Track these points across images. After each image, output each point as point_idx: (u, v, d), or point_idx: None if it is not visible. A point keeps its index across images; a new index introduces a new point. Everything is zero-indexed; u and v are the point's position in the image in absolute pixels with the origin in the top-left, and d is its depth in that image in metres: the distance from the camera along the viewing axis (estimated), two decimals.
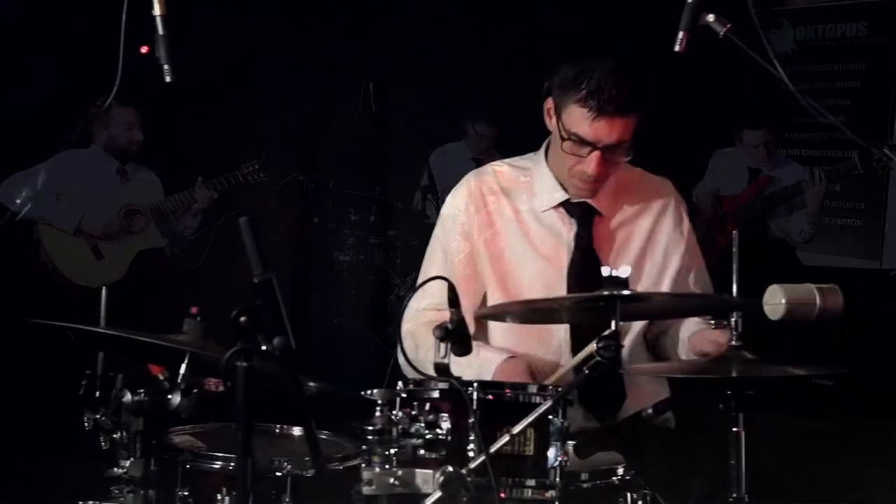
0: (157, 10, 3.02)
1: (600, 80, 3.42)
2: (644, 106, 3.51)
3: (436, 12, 4.43)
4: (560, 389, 2.85)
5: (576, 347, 3.55)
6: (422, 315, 3.56)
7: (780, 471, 4.12)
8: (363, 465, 2.86)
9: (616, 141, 3.47)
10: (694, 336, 3.52)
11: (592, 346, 2.80)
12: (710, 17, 2.43)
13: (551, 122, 3.58)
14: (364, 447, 2.85)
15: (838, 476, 4.28)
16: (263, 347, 2.34)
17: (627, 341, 3.58)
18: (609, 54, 3.50)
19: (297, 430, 3.36)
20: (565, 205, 3.65)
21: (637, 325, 3.63)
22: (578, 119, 3.47)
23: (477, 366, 3.37)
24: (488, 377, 3.43)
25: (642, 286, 3.59)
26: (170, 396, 3.07)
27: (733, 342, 2.96)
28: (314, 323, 4.33)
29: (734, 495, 2.91)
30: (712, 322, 3.13)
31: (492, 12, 4.80)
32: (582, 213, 3.65)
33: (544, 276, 3.63)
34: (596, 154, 3.49)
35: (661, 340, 3.70)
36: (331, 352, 4.32)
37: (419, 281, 3.58)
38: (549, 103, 3.57)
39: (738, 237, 2.95)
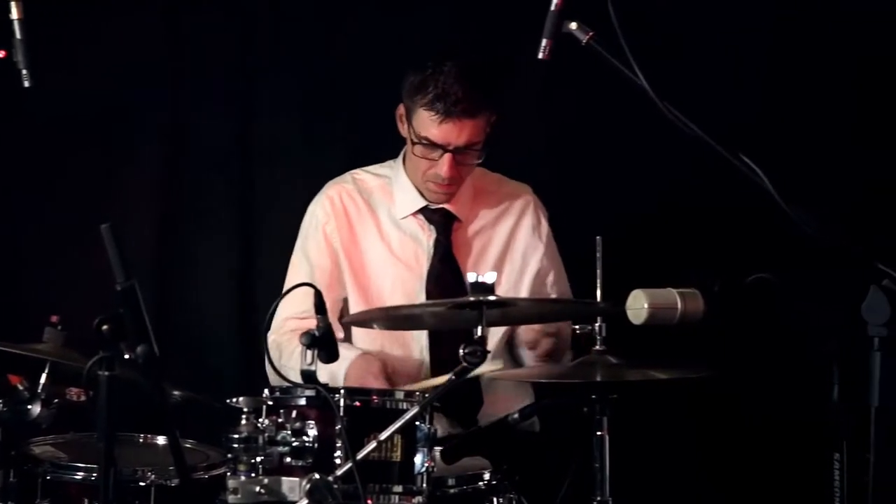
0: (14, 14, 2.97)
1: (446, 82, 3.46)
2: (494, 106, 3.55)
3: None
4: (427, 395, 2.86)
5: (435, 353, 3.58)
6: (287, 324, 3.55)
7: (644, 473, 4.18)
8: (228, 473, 2.83)
9: (466, 143, 3.51)
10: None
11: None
12: (573, 26, 2.45)
13: (404, 128, 3.61)
14: (229, 455, 2.82)
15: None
16: (126, 356, 2.30)
17: (490, 347, 3.60)
18: (456, 56, 3.52)
19: (161, 440, 3.32)
20: (424, 211, 3.68)
21: (497, 330, 3.66)
22: (427, 122, 3.50)
23: (330, 366, 3.34)
24: (341, 374, 3.43)
25: (501, 290, 3.60)
26: (29, 406, 3.02)
27: (597, 348, 2.99)
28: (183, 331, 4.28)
29: (598, 498, 2.94)
30: (577, 328, 3.17)
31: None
32: (441, 220, 3.68)
33: (404, 283, 3.65)
34: (447, 156, 3.52)
35: (518, 345, 3.74)
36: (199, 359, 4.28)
37: (284, 289, 3.56)
38: (401, 109, 3.61)
39: (601, 242, 2.99)
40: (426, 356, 3.63)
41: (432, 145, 3.52)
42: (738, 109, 4.32)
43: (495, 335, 3.64)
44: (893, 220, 4.35)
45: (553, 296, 3.77)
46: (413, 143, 3.55)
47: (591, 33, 2.45)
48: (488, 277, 2.79)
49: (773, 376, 4.27)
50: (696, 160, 2.70)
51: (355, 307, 3.63)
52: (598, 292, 3.00)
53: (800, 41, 4.43)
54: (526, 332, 3.58)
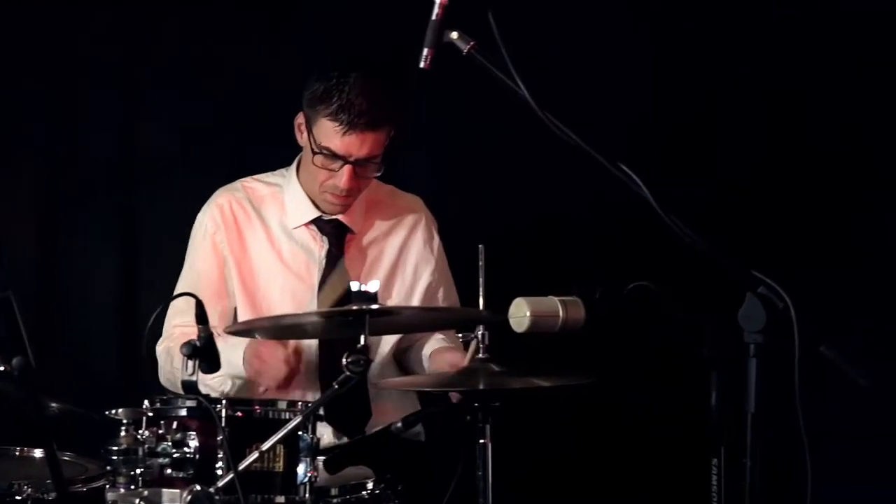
0: None
1: (351, 94, 3.44)
2: (395, 119, 3.54)
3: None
4: (309, 405, 2.85)
5: (324, 364, 3.56)
6: (176, 331, 3.51)
7: (527, 480, 4.21)
8: (107, 486, 2.79)
9: (367, 155, 3.50)
10: (434, 356, 3.58)
11: None
12: (454, 35, 2.45)
13: (302, 137, 3.58)
14: (108, 468, 2.78)
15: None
16: (1, 368, 2.26)
17: (377, 356, 3.61)
18: (362, 66, 3.52)
19: (38, 452, 3.26)
20: (317, 222, 3.66)
21: (387, 341, 3.66)
22: (330, 133, 3.48)
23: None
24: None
25: (392, 303, 3.62)
26: None
27: (480, 355, 3.01)
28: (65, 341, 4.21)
29: None
30: (461, 336, 3.18)
31: None
32: (333, 231, 3.66)
33: (294, 293, 3.62)
34: (347, 168, 3.50)
35: (408, 355, 3.74)
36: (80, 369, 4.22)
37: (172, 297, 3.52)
38: (300, 118, 3.57)
39: (483, 251, 3.00)
40: (315, 364, 3.61)
41: (333, 156, 3.50)
42: (620, 118, 4.38)
43: (387, 343, 3.65)
44: (771, 228, 4.44)
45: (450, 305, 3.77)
46: (313, 153, 3.52)
47: (472, 43, 2.45)
48: (371, 286, 2.79)
49: (653, 383, 4.33)
50: (578, 169, 2.72)
51: (244, 317, 3.60)
52: (481, 300, 3.02)
53: (681, 52, 4.50)
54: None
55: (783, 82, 4.50)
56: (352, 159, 3.49)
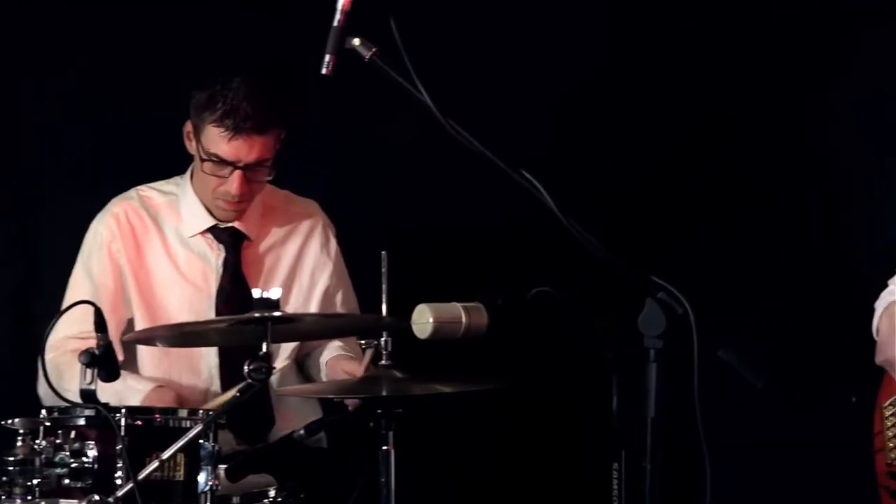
0: None
1: (235, 98, 3.42)
2: (283, 122, 3.53)
3: None
4: (211, 413, 2.83)
5: (225, 373, 3.54)
6: (67, 343, 3.44)
7: (430, 487, 4.21)
8: (3, 497, 2.74)
9: (256, 159, 3.48)
10: (330, 364, 3.59)
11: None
12: (356, 41, 2.45)
13: (192, 146, 3.56)
14: (4, 479, 2.73)
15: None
16: None
17: (278, 363, 3.59)
18: (245, 71, 3.50)
19: None
20: (213, 230, 3.63)
21: (288, 348, 3.64)
22: (216, 139, 3.46)
23: (124, 395, 3.28)
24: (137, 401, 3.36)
25: (290, 309, 3.61)
26: None
27: (383, 362, 3.00)
28: None
29: None
30: (362, 342, 3.18)
31: None
32: (229, 238, 3.64)
33: (192, 302, 3.59)
34: (238, 173, 3.48)
35: (307, 362, 3.73)
36: None
37: (63, 307, 3.47)
38: (188, 126, 3.55)
39: (386, 257, 3.00)
40: (216, 375, 3.58)
41: (222, 162, 3.48)
42: (524, 125, 4.40)
43: (287, 350, 3.63)
44: (669, 235, 4.49)
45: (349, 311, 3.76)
46: (202, 161, 3.50)
47: (374, 49, 2.45)
48: (273, 293, 2.78)
49: (556, 388, 4.35)
50: (480, 175, 2.73)
51: (140, 325, 3.55)
52: (384, 307, 3.02)
53: (581, 52, 4.53)
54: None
55: (685, 85, 4.55)
56: (241, 164, 3.48)
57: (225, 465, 2.89)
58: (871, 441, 3.38)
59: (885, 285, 3.45)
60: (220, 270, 3.62)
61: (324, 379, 3.63)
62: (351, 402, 3.31)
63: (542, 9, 4.48)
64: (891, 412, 3.31)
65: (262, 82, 3.52)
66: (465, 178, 3.74)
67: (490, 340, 2.68)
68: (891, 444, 3.30)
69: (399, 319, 2.84)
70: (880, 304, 3.39)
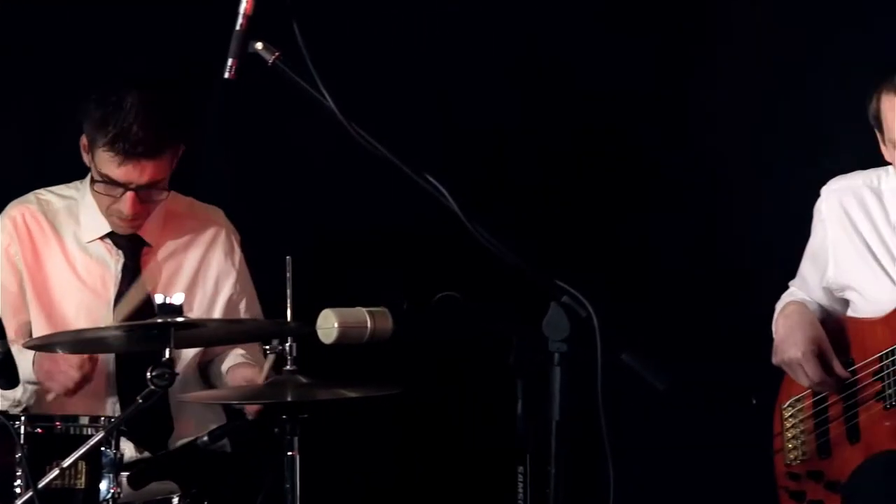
0: None
1: (126, 121, 3.35)
2: (178, 142, 3.48)
3: None
4: (112, 420, 2.80)
5: (121, 379, 3.49)
6: None
7: (336, 492, 4.20)
8: None
9: (149, 181, 3.42)
10: (231, 371, 3.57)
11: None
12: (259, 45, 2.44)
13: (87, 158, 3.49)
14: None
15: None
16: None
17: (180, 369, 3.55)
18: (138, 88, 3.42)
19: None
20: (112, 235, 3.58)
21: (190, 353, 3.61)
22: (107, 162, 3.39)
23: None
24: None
25: (193, 317, 3.57)
26: None
27: (287, 367, 2.99)
28: None
29: None
30: (266, 347, 3.16)
31: None
32: (129, 244, 3.59)
33: (90, 309, 3.54)
34: (129, 195, 3.42)
35: (210, 370, 3.71)
36: None
37: None
38: (84, 140, 3.48)
39: (291, 262, 2.99)
40: (112, 383, 3.54)
41: (113, 184, 3.42)
42: (429, 129, 4.41)
43: (189, 356, 3.60)
44: (572, 240, 4.52)
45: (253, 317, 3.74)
46: (94, 181, 3.45)
47: (277, 53, 2.44)
48: (176, 299, 2.75)
49: (461, 392, 4.37)
50: (385, 180, 2.73)
51: (39, 332, 3.50)
52: (289, 312, 3.01)
53: (479, 62, 4.56)
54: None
55: (579, 89, 4.59)
56: (132, 186, 3.42)
57: (127, 473, 2.86)
58: (771, 442, 3.43)
59: (786, 286, 3.51)
60: (119, 276, 3.57)
61: (225, 386, 3.60)
62: (250, 410, 3.29)
63: (445, 12, 4.50)
64: (790, 413, 3.37)
65: (155, 102, 3.42)
66: (371, 182, 3.74)
67: (395, 345, 2.68)
68: (790, 445, 3.35)
69: (304, 324, 2.83)
70: (779, 306, 3.44)
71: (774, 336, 3.35)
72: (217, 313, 3.66)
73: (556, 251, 4.23)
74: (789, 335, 3.26)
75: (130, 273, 3.57)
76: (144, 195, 3.45)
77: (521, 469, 2.56)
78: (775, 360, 3.29)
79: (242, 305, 3.73)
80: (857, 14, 4.20)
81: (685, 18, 4.55)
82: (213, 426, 3.23)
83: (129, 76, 3.55)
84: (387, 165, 2.44)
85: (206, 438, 3.01)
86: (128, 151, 3.35)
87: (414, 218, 3.69)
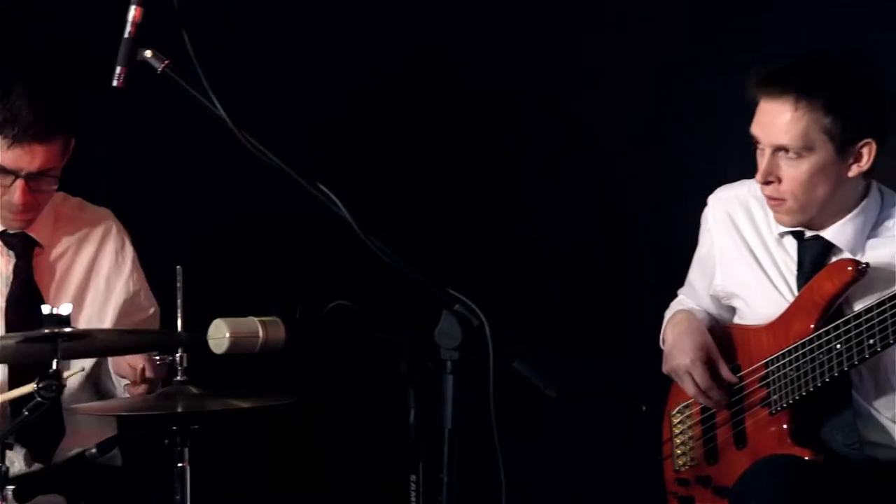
0: None
1: (16, 105, 3.32)
2: (68, 129, 3.45)
3: None
4: None
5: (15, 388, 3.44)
6: None
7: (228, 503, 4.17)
8: None
9: (39, 169, 3.39)
10: (116, 359, 3.52)
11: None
12: (148, 53, 2.43)
13: None
14: None
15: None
16: None
17: (71, 379, 3.50)
18: (27, 74, 3.40)
19: None
20: (3, 235, 3.53)
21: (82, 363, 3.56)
22: None
23: None
24: None
25: (84, 317, 3.54)
26: None
27: (178, 378, 2.97)
28: None
29: None
30: (157, 358, 3.13)
31: None
32: (20, 245, 3.54)
33: None
34: (20, 183, 3.39)
35: (101, 375, 3.66)
36: None
37: None
38: None
39: (181, 272, 2.96)
40: (4, 391, 3.48)
41: (3, 171, 3.38)
42: (322, 139, 4.40)
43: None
44: (464, 247, 4.54)
45: (151, 311, 3.70)
46: None
47: (167, 61, 2.42)
48: (63, 309, 2.71)
49: (354, 401, 4.36)
50: (278, 189, 2.72)
51: None
52: (180, 322, 2.98)
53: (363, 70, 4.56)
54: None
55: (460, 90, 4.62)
56: (23, 174, 3.38)
57: (13, 486, 2.82)
58: (660, 448, 3.47)
59: (675, 294, 3.55)
60: (11, 277, 3.52)
61: (117, 387, 3.55)
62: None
63: (334, 22, 4.50)
64: (678, 420, 3.40)
65: (46, 87, 3.41)
66: (263, 190, 3.72)
67: (288, 354, 2.68)
68: (678, 452, 3.39)
69: (195, 334, 2.81)
70: (668, 314, 3.48)
71: (663, 345, 3.39)
72: (110, 314, 3.62)
73: (446, 257, 4.25)
74: (678, 343, 3.29)
75: (23, 275, 3.52)
76: (35, 184, 3.41)
77: (413, 478, 2.56)
78: (665, 368, 3.33)
79: (142, 295, 3.69)
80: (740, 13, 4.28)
81: (560, 14, 4.59)
82: (106, 437, 3.19)
83: (17, 64, 3.50)
84: (279, 173, 2.43)
85: (95, 451, 2.97)
86: (17, 136, 3.32)
87: (306, 227, 3.68)
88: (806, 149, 3.01)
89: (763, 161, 3.07)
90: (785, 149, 3.03)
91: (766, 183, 3.08)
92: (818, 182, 3.04)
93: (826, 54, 3.17)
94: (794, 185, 3.04)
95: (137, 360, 3.26)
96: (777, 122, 3.03)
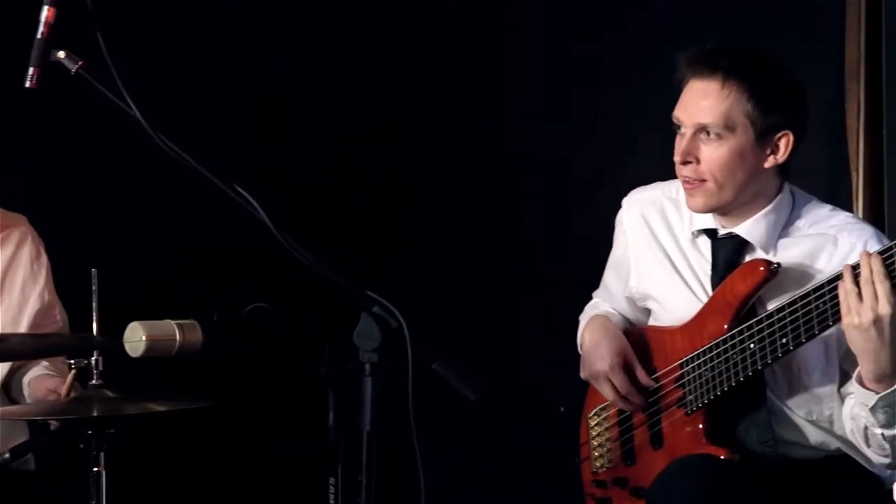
0: None
1: None
2: None
3: None
4: None
5: None
6: None
7: None
8: None
9: None
10: (34, 383, 3.48)
11: None
12: (61, 54, 2.40)
13: None
14: None
15: None
16: None
17: None
18: None
19: None
20: None
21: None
22: None
23: None
24: None
25: None
26: None
27: (93, 382, 2.94)
28: None
29: None
30: (72, 362, 3.10)
31: None
32: None
33: None
34: None
35: (11, 383, 3.62)
36: None
37: None
38: None
39: (97, 275, 2.94)
40: None
41: None
42: (231, 141, 4.39)
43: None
44: (382, 249, 4.54)
45: (61, 324, 3.65)
46: None
47: (80, 62, 2.40)
48: None
49: (274, 403, 4.34)
50: (193, 191, 2.70)
51: None
52: (95, 325, 2.95)
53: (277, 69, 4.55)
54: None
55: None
56: None
57: None
58: (578, 451, 3.48)
59: (590, 297, 3.57)
60: None
61: (28, 400, 3.52)
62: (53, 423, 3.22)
63: (245, 22, 4.49)
64: (595, 422, 3.42)
65: None
66: (179, 192, 3.70)
67: (206, 357, 2.66)
68: (595, 454, 3.41)
69: (110, 338, 2.78)
70: (584, 318, 3.50)
71: (580, 350, 3.41)
72: (25, 322, 3.58)
73: (366, 260, 4.26)
74: (595, 348, 3.31)
75: None
76: None
77: (332, 480, 2.56)
78: (583, 373, 3.35)
79: (56, 311, 3.65)
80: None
81: (472, 14, 4.62)
82: (18, 442, 3.15)
83: None
84: (196, 175, 2.42)
85: (7, 455, 2.94)
86: None
87: (223, 228, 3.66)
88: (728, 129, 3.04)
89: (683, 142, 3.09)
90: (707, 129, 3.05)
91: (685, 163, 3.10)
92: (737, 166, 3.07)
93: (755, 46, 3.22)
94: (714, 167, 3.06)
95: (58, 386, 3.22)
96: (702, 101, 3.05)
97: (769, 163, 3.10)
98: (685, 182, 3.12)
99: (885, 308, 2.78)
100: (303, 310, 2.62)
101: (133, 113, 2.36)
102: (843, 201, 4.08)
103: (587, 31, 4.48)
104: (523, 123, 4.65)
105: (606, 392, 3.26)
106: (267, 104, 4.55)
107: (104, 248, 4.04)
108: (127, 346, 2.57)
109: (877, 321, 2.78)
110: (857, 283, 2.81)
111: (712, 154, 3.06)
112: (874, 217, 4.14)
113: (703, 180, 3.08)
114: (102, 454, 2.89)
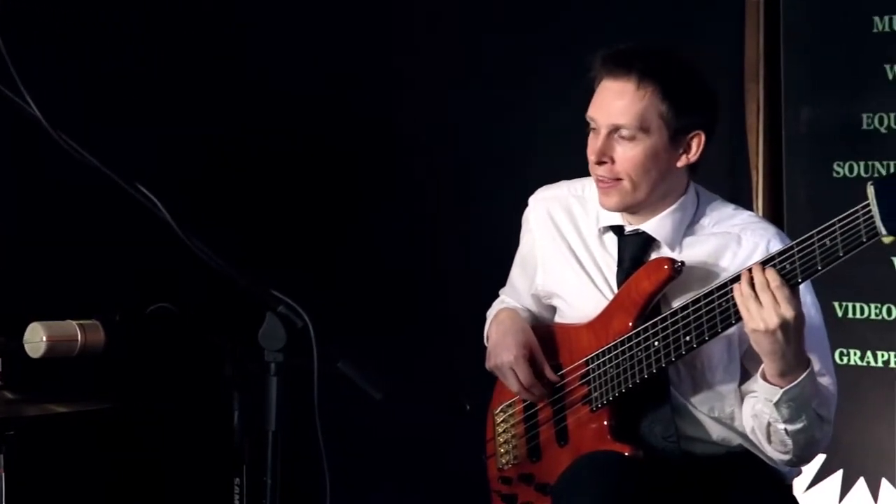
0: None
1: None
2: None
3: None
4: None
5: None
6: None
7: None
8: None
9: None
10: None
11: None
12: None
13: None
14: None
15: None
16: None
17: None
18: None
19: None
20: None
21: None
22: None
23: None
24: None
25: None
26: None
27: None
28: None
29: None
30: None
31: None
32: None
33: None
34: None
35: None
36: None
37: None
38: None
39: None
40: None
41: None
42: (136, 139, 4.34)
43: None
44: (288, 248, 4.52)
45: None
46: None
47: None
48: None
49: (176, 404, 4.30)
50: (98, 189, 2.67)
51: None
52: None
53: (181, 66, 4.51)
54: None
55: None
56: None
57: None
58: (484, 447, 3.49)
59: (497, 295, 3.59)
60: None
61: None
62: None
63: (161, 11, 4.45)
64: (501, 419, 3.44)
65: None
66: (81, 189, 3.65)
67: (108, 358, 2.63)
68: (501, 450, 3.42)
69: (10, 339, 2.74)
70: (490, 313, 3.51)
71: (487, 342, 3.42)
72: None
73: (273, 258, 4.23)
74: (501, 340, 3.32)
75: None
76: None
77: (237, 481, 2.55)
78: (488, 364, 3.36)
79: None
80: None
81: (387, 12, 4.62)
82: None
83: None
84: (97, 173, 2.39)
85: None
86: None
87: (127, 227, 3.63)
88: (642, 130, 3.06)
89: (598, 141, 3.10)
90: (621, 129, 3.07)
91: (600, 163, 3.11)
92: (651, 166, 3.09)
93: (669, 45, 3.24)
94: (629, 167, 3.08)
95: None
96: (617, 102, 3.07)
97: (681, 162, 3.13)
98: (600, 181, 3.14)
99: (789, 312, 2.82)
100: (207, 310, 2.60)
101: (33, 111, 2.32)
102: (743, 200, 4.15)
103: (500, 28, 4.50)
104: (433, 120, 4.66)
105: (511, 383, 3.28)
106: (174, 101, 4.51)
107: (3, 247, 3.98)
108: (27, 347, 2.54)
109: (783, 325, 2.82)
110: (753, 287, 2.85)
111: (627, 154, 3.08)
112: (774, 216, 4.22)
113: (619, 179, 3.10)
114: (2, 456, 2.84)
